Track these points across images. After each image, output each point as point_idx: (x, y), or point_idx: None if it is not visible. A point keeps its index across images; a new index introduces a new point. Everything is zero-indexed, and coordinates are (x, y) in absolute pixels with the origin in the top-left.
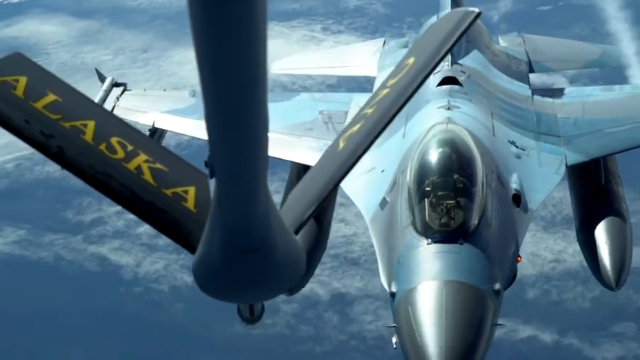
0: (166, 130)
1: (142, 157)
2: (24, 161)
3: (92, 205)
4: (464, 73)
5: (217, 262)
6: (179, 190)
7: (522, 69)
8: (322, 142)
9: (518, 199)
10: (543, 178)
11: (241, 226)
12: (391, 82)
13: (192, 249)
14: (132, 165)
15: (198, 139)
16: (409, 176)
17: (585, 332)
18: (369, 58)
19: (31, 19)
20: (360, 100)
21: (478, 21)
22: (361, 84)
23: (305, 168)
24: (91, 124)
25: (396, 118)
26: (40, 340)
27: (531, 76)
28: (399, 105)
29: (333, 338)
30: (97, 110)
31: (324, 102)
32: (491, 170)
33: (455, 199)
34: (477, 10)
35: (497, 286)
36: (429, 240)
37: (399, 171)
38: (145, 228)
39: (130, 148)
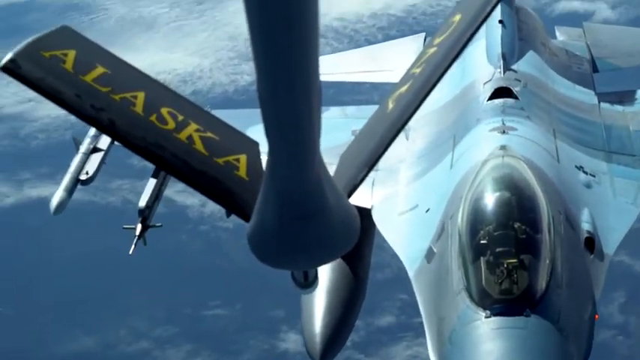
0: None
1: (193, 126)
2: None
3: None
4: (519, 81)
5: (272, 230)
6: (231, 158)
7: (585, 69)
8: None
9: (591, 243)
10: (619, 211)
11: (295, 193)
12: (438, 40)
13: (246, 217)
14: (183, 135)
15: None
16: (460, 224)
17: (637, 250)
18: (408, 59)
19: None
20: None
21: (533, 13)
22: None
23: None
24: (141, 95)
25: (443, 142)
26: (107, 281)
27: None
28: (447, 63)
29: None
30: (146, 81)
31: (357, 119)
32: (559, 211)
33: (517, 257)
34: None
35: None
36: (488, 312)
37: (447, 214)
38: None
39: (180, 118)
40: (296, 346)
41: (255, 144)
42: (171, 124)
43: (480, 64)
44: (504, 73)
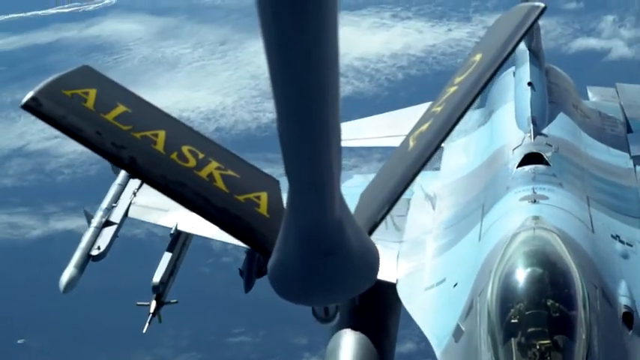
0: (192, 235)
1: (214, 164)
2: None
3: None
4: (550, 146)
5: (293, 267)
6: (252, 196)
7: (619, 131)
8: (381, 243)
9: (630, 318)
10: None
11: (316, 232)
12: (458, 79)
13: (266, 253)
14: (204, 173)
15: None
16: (490, 301)
17: None
18: None
19: (110, 20)
20: (425, 180)
21: (564, 74)
22: None
23: None
24: (162, 133)
25: (470, 212)
26: (132, 310)
27: None
28: (467, 102)
29: None
30: (167, 120)
31: None
32: (594, 285)
33: (551, 337)
34: (542, 4)
35: None
36: None
37: (476, 291)
38: None
39: (201, 156)
40: None
41: (276, 181)
42: (192, 162)
43: (508, 129)
44: (534, 137)
